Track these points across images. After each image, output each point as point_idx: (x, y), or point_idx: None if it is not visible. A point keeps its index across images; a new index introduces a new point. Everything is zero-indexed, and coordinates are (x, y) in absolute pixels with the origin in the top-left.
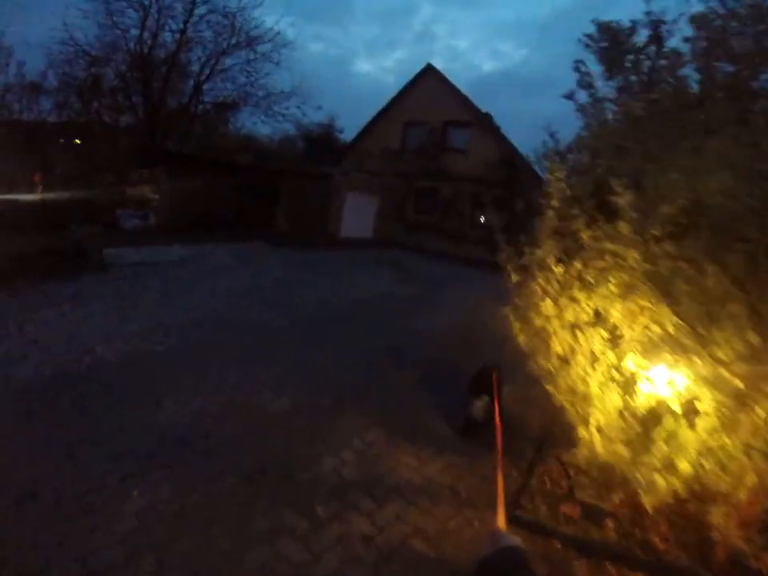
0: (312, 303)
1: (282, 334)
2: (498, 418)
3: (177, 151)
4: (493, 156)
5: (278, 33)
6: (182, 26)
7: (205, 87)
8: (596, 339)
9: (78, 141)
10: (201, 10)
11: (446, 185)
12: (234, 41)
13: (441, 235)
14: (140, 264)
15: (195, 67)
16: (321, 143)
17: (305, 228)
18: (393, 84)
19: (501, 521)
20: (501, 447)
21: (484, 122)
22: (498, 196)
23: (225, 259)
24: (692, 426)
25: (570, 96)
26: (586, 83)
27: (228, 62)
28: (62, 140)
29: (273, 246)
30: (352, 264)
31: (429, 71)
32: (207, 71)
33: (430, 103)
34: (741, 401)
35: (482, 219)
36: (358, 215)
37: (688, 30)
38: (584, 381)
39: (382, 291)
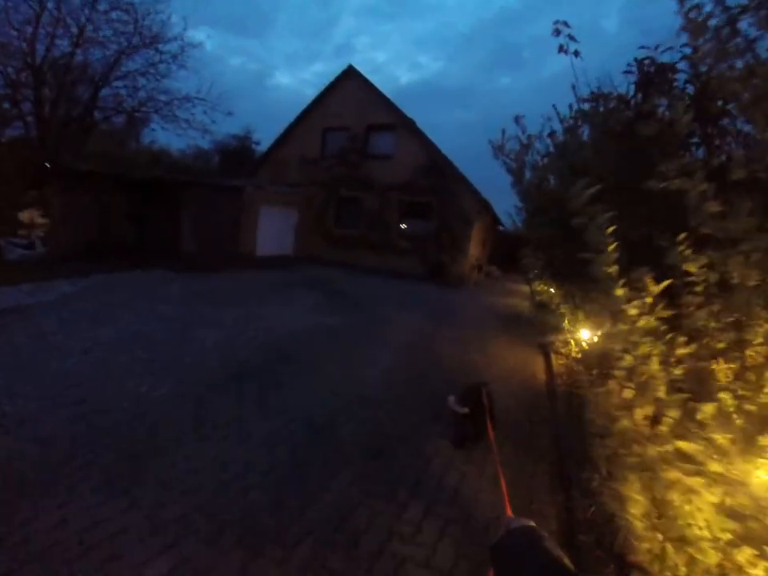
0: (212, 354)
1: (158, 422)
2: (491, 429)
3: (68, 167)
4: (420, 161)
5: (185, 29)
6: (82, 21)
7: (104, 93)
8: None
9: None
10: (102, 5)
11: (371, 193)
12: (136, 40)
13: (367, 248)
14: (5, 311)
15: (94, 69)
16: (237, 156)
17: (215, 248)
18: (312, 96)
19: (508, 510)
20: (497, 450)
21: (409, 126)
22: (426, 203)
23: (115, 295)
24: None
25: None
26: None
27: (130, 64)
28: None
29: (177, 273)
30: (268, 289)
31: (350, 73)
32: (107, 74)
33: (352, 107)
34: None
35: (407, 228)
36: (275, 231)
37: None
38: None
39: (306, 324)
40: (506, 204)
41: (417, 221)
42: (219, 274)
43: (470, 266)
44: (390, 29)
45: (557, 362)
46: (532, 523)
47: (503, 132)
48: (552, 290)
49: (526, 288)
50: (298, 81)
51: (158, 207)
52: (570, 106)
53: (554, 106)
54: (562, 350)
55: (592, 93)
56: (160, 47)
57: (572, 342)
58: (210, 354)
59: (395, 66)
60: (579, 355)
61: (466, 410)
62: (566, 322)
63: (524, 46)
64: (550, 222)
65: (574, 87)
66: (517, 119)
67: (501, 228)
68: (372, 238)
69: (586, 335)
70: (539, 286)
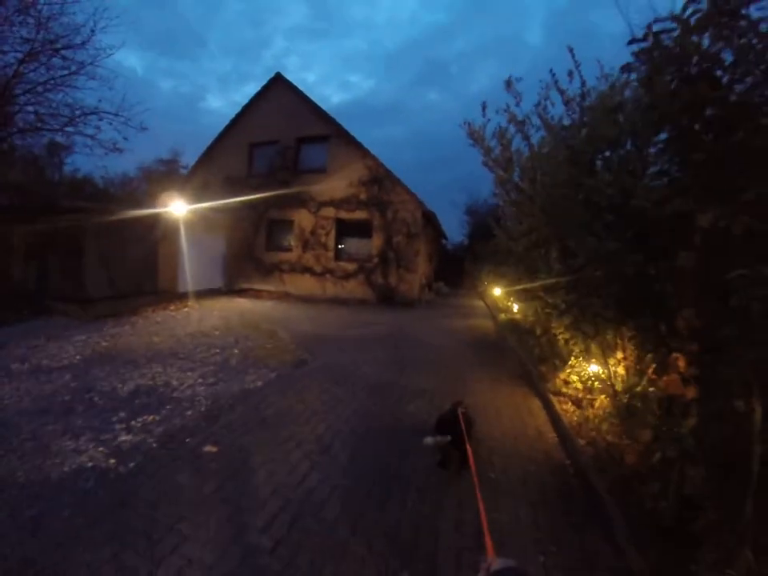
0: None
1: None
2: (469, 452)
3: None
4: (357, 173)
5: (93, 32)
6: None
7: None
8: None
9: None
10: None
11: (304, 212)
12: (37, 45)
13: (305, 274)
14: None
15: None
16: (164, 182)
17: (130, 287)
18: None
19: (490, 550)
20: (477, 480)
21: (343, 136)
22: (367, 219)
23: None
24: None
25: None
26: None
27: (32, 76)
28: None
29: (80, 321)
30: (175, 342)
31: (278, 81)
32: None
33: (280, 119)
34: None
35: (349, 248)
36: (200, 262)
37: None
38: None
39: (224, 391)
40: (445, 216)
41: (359, 239)
42: (120, 321)
43: (420, 285)
44: (320, 48)
45: (561, 410)
46: (514, 563)
47: (483, 106)
48: (538, 309)
49: (479, 303)
50: (230, 103)
51: (60, 243)
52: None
53: (569, 48)
54: (565, 390)
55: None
56: (66, 53)
57: (577, 379)
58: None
59: (326, 86)
60: (595, 398)
61: (448, 437)
62: (572, 353)
63: (451, 62)
64: (583, 226)
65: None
66: (508, 84)
67: (444, 242)
68: (309, 261)
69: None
70: (508, 302)
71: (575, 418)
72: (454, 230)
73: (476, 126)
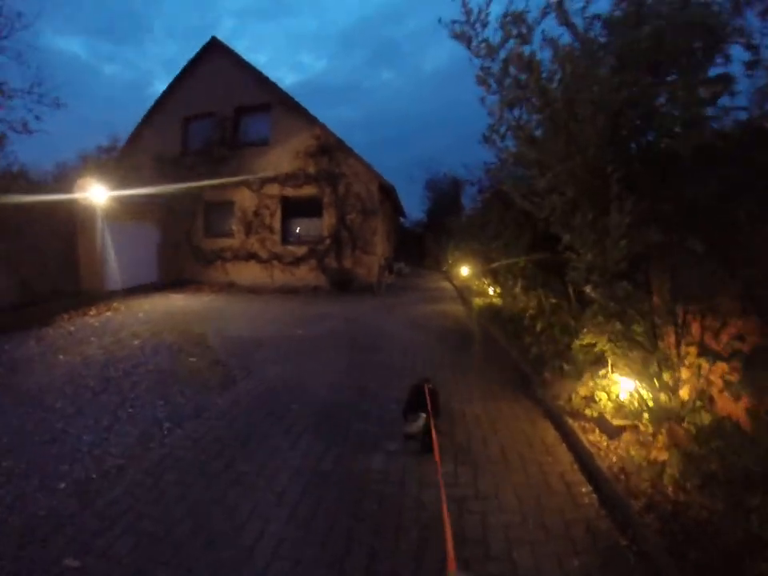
0: None
1: None
2: (434, 434)
3: None
4: (304, 144)
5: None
6: None
7: None
8: None
9: None
10: None
11: (246, 191)
12: None
13: (249, 261)
14: None
15: None
16: (103, 169)
17: (46, 288)
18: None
19: (451, 562)
20: (440, 474)
21: (286, 103)
22: (316, 195)
23: None
24: None
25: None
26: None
27: None
28: None
29: None
30: (83, 369)
31: (213, 47)
32: None
33: (218, 88)
34: None
35: (298, 230)
36: (131, 255)
37: None
38: None
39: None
40: (402, 194)
41: (308, 219)
42: (40, 330)
43: (379, 267)
44: (271, 28)
45: (589, 442)
46: None
47: None
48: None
49: (446, 285)
50: None
51: None
52: None
53: None
54: (588, 412)
55: None
56: None
57: (606, 398)
58: None
59: (277, 67)
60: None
61: (423, 415)
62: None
63: (403, 41)
64: None
65: None
66: None
67: (402, 219)
68: (253, 247)
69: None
70: (483, 284)
71: (613, 458)
72: (412, 206)
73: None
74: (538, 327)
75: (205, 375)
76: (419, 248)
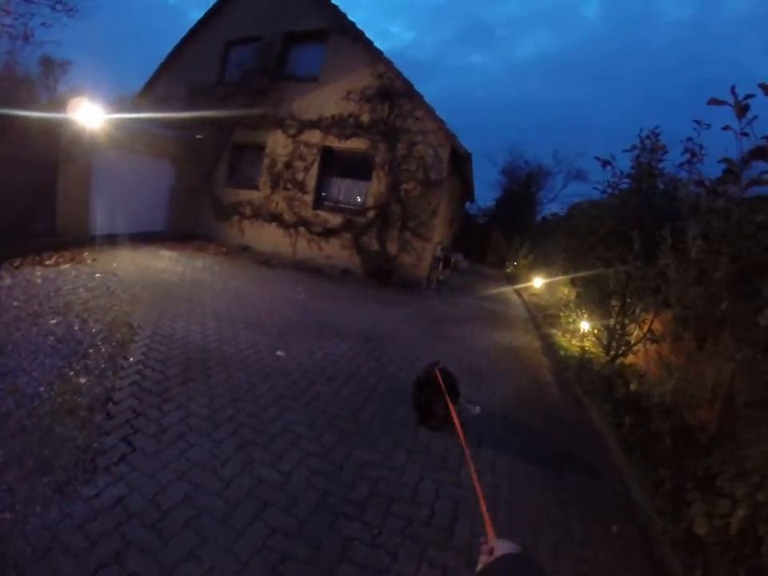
0: None
1: None
2: (456, 419)
3: None
4: (362, 83)
5: None
6: None
7: None
8: None
9: None
10: None
11: (279, 135)
12: None
13: (273, 223)
14: None
15: None
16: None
17: (10, 227)
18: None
19: (490, 531)
20: (468, 452)
21: (348, 31)
22: (367, 152)
23: None
24: None
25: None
26: None
27: None
28: None
29: None
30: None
31: None
32: None
33: (267, 9)
34: None
35: (336, 192)
36: (133, 195)
37: None
38: None
39: None
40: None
41: (352, 181)
42: None
43: (432, 260)
44: None
45: None
46: (519, 548)
47: None
48: None
49: (510, 295)
50: None
51: None
52: None
53: None
54: None
55: None
56: None
57: None
58: None
59: (366, 34)
60: None
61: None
62: None
63: (499, 25)
64: None
65: None
66: None
67: (468, 204)
68: (279, 206)
69: None
70: (573, 316)
71: None
72: (482, 191)
73: None
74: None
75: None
76: (483, 241)
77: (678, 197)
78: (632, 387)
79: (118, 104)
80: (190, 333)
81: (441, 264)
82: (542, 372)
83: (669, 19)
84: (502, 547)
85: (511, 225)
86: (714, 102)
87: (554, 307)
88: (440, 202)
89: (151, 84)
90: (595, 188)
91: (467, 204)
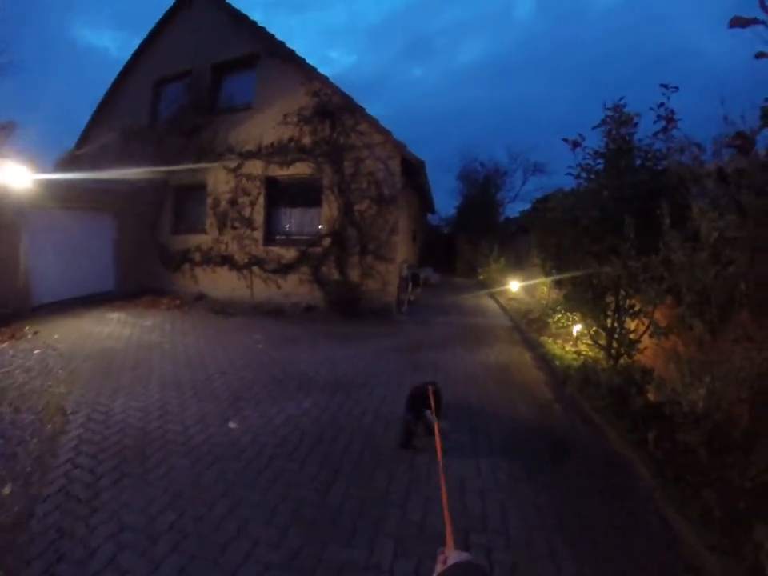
0: None
1: None
2: (438, 438)
3: None
4: (300, 104)
5: None
6: None
7: None
8: None
9: None
10: None
11: (220, 171)
12: None
13: (222, 266)
14: None
15: None
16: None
17: None
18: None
19: (449, 541)
20: (442, 469)
21: (279, 53)
22: (313, 176)
23: None
24: None
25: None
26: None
27: None
28: None
29: None
30: None
31: None
32: None
33: (193, 41)
34: None
35: (287, 224)
36: (75, 256)
37: None
38: None
39: None
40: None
41: (302, 210)
42: None
43: (400, 280)
44: (301, 21)
45: None
46: (471, 557)
47: None
48: None
49: (488, 303)
50: None
51: None
52: None
53: None
54: None
55: None
56: None
57: None
58: None
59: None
60: None
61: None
62: None
63: (435, 36)
64: None
65: None
66: None
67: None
68: (228, 247)
69: None
70: (568, 321)
71: None
72: (442, 201)
73: None
74: None
75: None
76: (450, 251)
77: (663, 170)
78: (650, 396)
79: (58, 161)
80: (129, 412)
81: (409, 284)
82: (539, 390)
83: (600, 9)
84: (455, 557)
85: (476, 230)
86: (737, 21)
87: (536, 310)
88: (398, 218)
89: (86, 134)
90: (568, 173)
91: (429, 215)
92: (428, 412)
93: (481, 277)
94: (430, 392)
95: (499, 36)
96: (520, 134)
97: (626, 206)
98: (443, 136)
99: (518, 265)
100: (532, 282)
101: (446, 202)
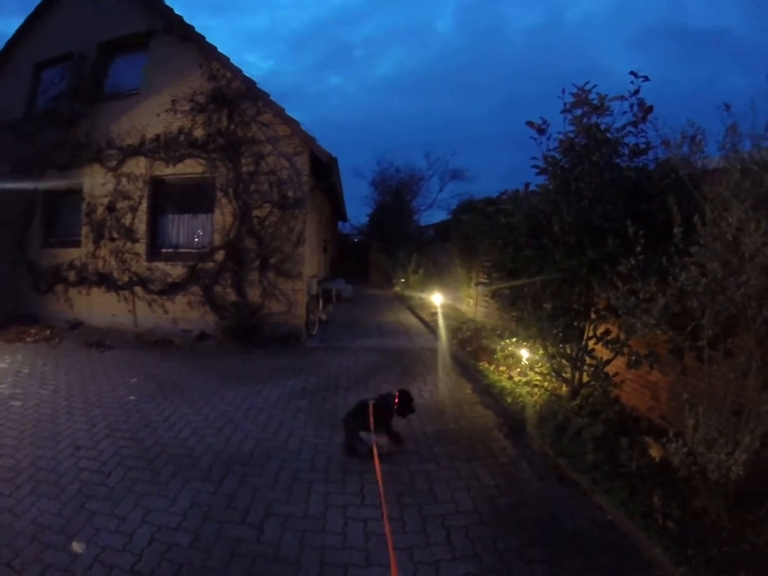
0: None
1: None
2: (376, 460)
3: None
4: (193, 88)
5: None
6: None
7: None
8: None
9: None
10: None
11: (98, 170)
12: None
13: (99, 286)
14: None
15: None
16: None
17: None
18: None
19: (394, 570)
20: (382, 491)
21: (176, 30)
22: (205, 175)
23: None
24: None
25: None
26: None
27: None
28: None
29: None
30: None
31: None
32: None
33: (80, 18)
34: None
35: (168, 236)
36: None
37: None
38: None
39: None
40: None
41: (191, 217)
42: None
43: (309, 299)
44: (219, 23)
45: None
46: None
47: None
48: None
49: (410, 319)
50: None
51: None
52: None
53: None
54: None
55: None
56: None
57: None
58: None
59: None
60: None
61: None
62: None
63: (357, 45)
64: None
65: None
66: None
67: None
68: (106, 263)
69: None
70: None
71: None
72: (355, 210)
73: None
74: None
75: None
76: (362, 261)
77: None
78: (653, 454)
79: None
80: None
81: (320, 301)
82: (493, 440)
83: (518, 27)
84: None
85: (390, 239)
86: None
87: (466, 328)
88: (305, 225)
89: None
90: (534, 165)
91: (340, 224)
92: (363, 434)
93: (397, 288)
94: (370, 407)
95: (419, 49)
96: (437, 143)
97: (613, 209)
98: (358, 144)
99: (438, 275)
100: (456, 293)
101: (358, 210)
